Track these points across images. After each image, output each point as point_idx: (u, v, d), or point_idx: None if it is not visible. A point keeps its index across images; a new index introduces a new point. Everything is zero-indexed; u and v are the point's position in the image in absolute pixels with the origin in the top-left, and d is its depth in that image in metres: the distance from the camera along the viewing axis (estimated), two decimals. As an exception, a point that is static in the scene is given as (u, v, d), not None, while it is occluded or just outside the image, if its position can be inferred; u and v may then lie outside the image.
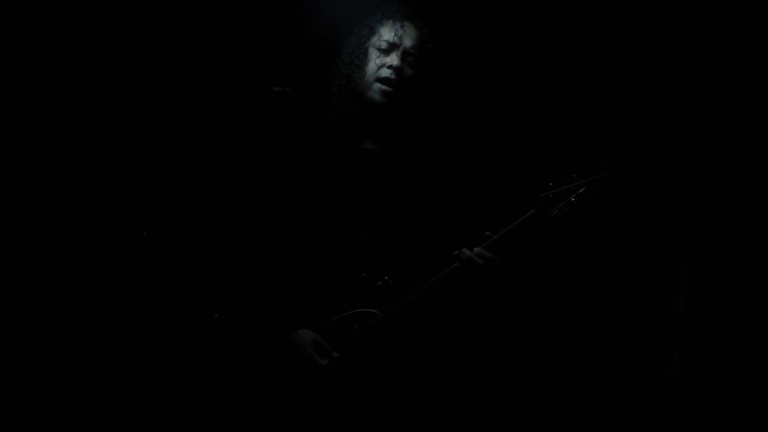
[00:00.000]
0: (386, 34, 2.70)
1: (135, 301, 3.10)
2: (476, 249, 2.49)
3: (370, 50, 2.71)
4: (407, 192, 2.67)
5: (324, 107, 2.77)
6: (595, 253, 3.19)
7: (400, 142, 2.72)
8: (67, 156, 3.09)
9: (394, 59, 2.66)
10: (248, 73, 3.09)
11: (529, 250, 2.55)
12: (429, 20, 2.75)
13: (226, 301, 2.75)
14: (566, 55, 3.17)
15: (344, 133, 2.74)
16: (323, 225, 2.65)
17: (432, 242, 2.62)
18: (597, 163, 2.52)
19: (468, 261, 2.48)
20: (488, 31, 3.17)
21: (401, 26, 2.70)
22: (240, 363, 2.77)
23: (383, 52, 2.68)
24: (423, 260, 2.60)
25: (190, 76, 3.15)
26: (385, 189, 2.67)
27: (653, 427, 3.06)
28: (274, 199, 2.73)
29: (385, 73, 2.65)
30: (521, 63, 3.18)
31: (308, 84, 2.75)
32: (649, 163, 3.14)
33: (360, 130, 2.73)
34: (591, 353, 3.17)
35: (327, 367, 2.53)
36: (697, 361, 3.03)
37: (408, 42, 2.69)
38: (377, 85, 2.66)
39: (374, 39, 2.72)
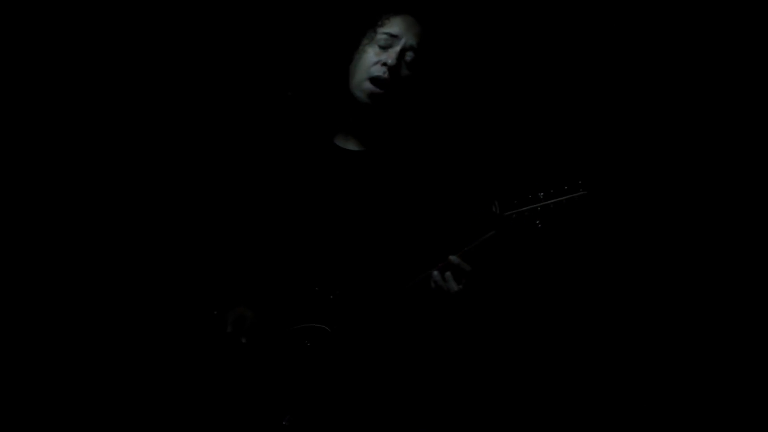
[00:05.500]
0: (388, 28, 2.51)
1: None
2: (435, 273, 2.32)
3: (366, 45, 2.52)
4: (385, 196, 2.52)
5: (311, 104, 2.65)
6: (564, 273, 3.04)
7: (384, 145, 2.57)
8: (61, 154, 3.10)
9: (391, 57, 2.48)
10: (245, 73, 3.06)
11: (489, 272, 2.33)
12: (431, 19, 2.56)
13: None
14: (554, 64, 3.05)
15: (327, 133, 2.63)
16: (292, 227, 2.54)
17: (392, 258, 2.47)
18: (569, 180, 2.19)
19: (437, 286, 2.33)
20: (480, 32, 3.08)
21: (403, 21, 2.51)
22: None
23: (381, 48, 2.50)
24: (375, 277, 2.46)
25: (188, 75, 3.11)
26: (365, 191, 2.52)
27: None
28: (252, 198, 2.66)
29: (378, 71, 2.48)
30: (505, 69, 3.09)
31: (303, 82, 2.68)
32: (629, 181, 2.86)
33: (343, 129, 2.62)
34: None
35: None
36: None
37: (410, 40, 2.50)
38: (367, 85, 2.49)
39: (372, 33, 2.52)
